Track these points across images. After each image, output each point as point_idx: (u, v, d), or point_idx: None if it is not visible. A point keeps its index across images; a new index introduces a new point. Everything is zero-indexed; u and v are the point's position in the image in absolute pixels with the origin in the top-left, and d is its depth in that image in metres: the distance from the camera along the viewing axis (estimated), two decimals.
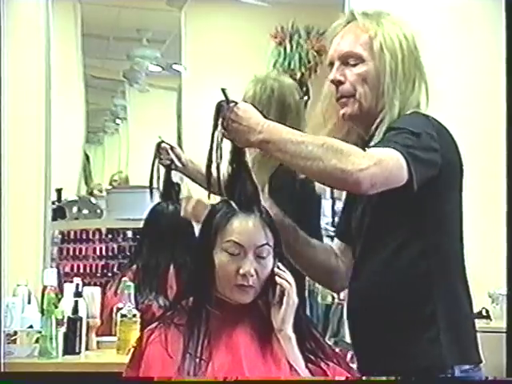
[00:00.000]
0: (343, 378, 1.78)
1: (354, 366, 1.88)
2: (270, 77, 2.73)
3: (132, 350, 1.87)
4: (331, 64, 1.80)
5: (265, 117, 1.65)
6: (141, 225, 3.05)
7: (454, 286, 1.70)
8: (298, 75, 3.48)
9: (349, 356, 2.57)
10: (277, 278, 1.80)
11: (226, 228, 1.78)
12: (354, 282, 1.79)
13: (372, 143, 1.67)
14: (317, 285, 2.73)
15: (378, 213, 1.71)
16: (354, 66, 1.76)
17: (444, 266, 1.69)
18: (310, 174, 1.60)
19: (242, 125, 1.64)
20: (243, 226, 1.78)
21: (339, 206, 3.10)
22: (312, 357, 1.79)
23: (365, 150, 1.59)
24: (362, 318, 1.77)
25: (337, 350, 2.24)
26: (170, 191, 2.92)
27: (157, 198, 3.26)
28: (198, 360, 1.72)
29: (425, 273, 1.67)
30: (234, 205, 1.81)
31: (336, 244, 1.92)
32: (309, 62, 3.50)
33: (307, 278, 2.71)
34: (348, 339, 2.82)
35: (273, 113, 2.60)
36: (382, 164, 1.54)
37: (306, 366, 1.76)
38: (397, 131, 1.62)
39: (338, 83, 1.77)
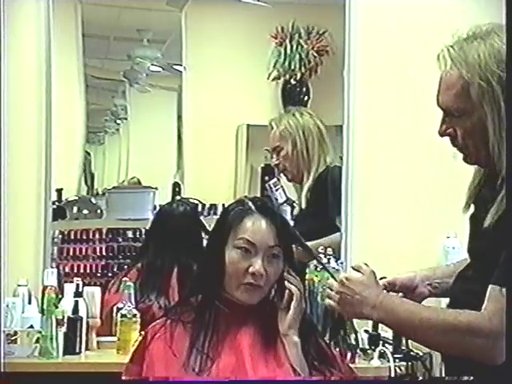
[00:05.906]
0: None
1: (354, 366, 1.87)
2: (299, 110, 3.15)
3: (136, 344, 1.87)
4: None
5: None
6: (141, 225, 3.05)
7: None
8: (299, 75, 3.48)
9: (348, 356, 2.57)
10: (286, 283, 1.80)
11: (240, 225, 1.79)
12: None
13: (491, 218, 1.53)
14: (316, 285, 2.73)
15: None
16: (460, 117, 1.60)
17: None
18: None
19: (356, 297, 1.61)
20: (257, 226, 1.79)
21: None
22: (316, 363, 1.78)
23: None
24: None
25: (336, 350, 2.24)
26: None
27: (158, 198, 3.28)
28: (204, 356, 1.72)
29: None
30: (250, 204, 1.81)
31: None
32: (309, 63, 3.49)
33: (307, 279, 2.73)
34: (348, 339, 2.82)
35: (316, 139, 3.03)
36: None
37: (310, 373, 1.76)
38: None
39: (447, 136, 1.64)
